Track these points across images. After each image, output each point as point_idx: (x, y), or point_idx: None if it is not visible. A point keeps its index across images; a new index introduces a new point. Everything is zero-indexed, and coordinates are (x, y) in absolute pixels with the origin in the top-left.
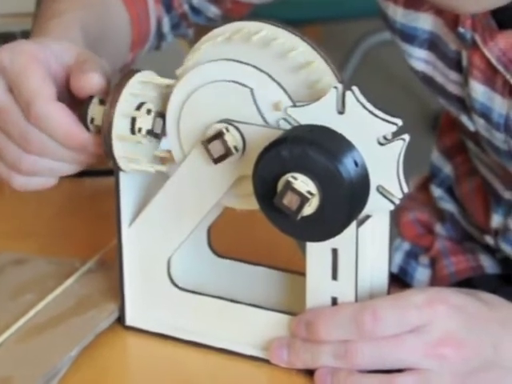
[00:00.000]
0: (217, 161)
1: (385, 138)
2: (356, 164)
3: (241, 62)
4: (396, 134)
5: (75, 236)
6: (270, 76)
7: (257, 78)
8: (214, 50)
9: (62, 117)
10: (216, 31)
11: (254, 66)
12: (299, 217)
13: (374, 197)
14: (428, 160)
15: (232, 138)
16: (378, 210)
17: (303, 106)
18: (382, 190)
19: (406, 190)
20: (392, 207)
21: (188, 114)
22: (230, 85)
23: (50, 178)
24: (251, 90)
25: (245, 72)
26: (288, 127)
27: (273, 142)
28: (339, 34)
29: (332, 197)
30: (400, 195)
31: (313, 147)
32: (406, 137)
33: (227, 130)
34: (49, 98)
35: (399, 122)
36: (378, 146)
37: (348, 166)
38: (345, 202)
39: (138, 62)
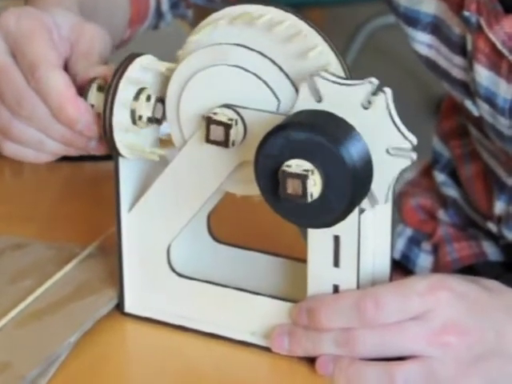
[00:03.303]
0: (209, 142)
1: (369, 101)
2: (359, 149)
3: (243, 46)
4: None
5: (75, 221)
6: (272, 61)
7: (259, 62)
8: (213, 34)
9: (62, 84)
10: (215, 15)
11: (257, 51)
12: (309, 198)
13: (387, 164)
14: (431, 144)
15: (235, 133)
16: (395, 172)
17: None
18: (392, 151)
19: (414, 140)
20: (409, 162)
21: (188, 98)
22: (231, 69)
23: (41, 152)
24: (265, 81)
25: (247, 56)
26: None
27: (274, 128)
28: (343, 18)
29: (335, 181)
30: (410, 146)
31: (314, 132)
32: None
33: (236, 124)
34: (55, 63)
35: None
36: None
37: (351, 151)
38: (348, 186)
39: (138, 44)
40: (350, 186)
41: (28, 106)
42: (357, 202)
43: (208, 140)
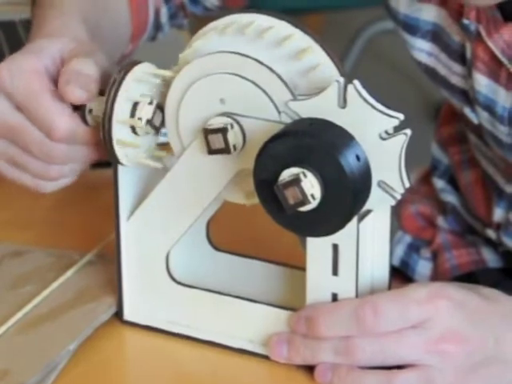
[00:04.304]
0: (212, 152)
1: (386, 132)
2: (358, 158)
3: (241, 55)
4: (398, 126)
5: (74, 228)
6: (270, 69)
7: (257, 70)
8: (211, 43)
9: (85, 130)
10: (213, 24)
11: (254, 59)
12: (311, 200)
13: (375, 192)
14: (430, 151)
15: (234, 137)
16: (379, 204)
17: (304, 99)
18: (383, 186)
19: (407, 184)
20: (393, 202)
21: (187, 107)
22: (229, 77)
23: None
24: (256, 84)
25: (245, 64)
26: (289, 121)
27: (274, 136)
28: (341, 23)
29: (334, 191)
30: (402, 190)
31: (314, 141)
32: (408, 131)
33: (231, 127)
34: (66, 115)
35: (401, 116)
36: (379, 141)
37: (350, 160)
38: (347, 195)
39: (138, 53)
40: (349, 195)
41: (60, 155)
42: (356, 210)
43: (210, 151)
